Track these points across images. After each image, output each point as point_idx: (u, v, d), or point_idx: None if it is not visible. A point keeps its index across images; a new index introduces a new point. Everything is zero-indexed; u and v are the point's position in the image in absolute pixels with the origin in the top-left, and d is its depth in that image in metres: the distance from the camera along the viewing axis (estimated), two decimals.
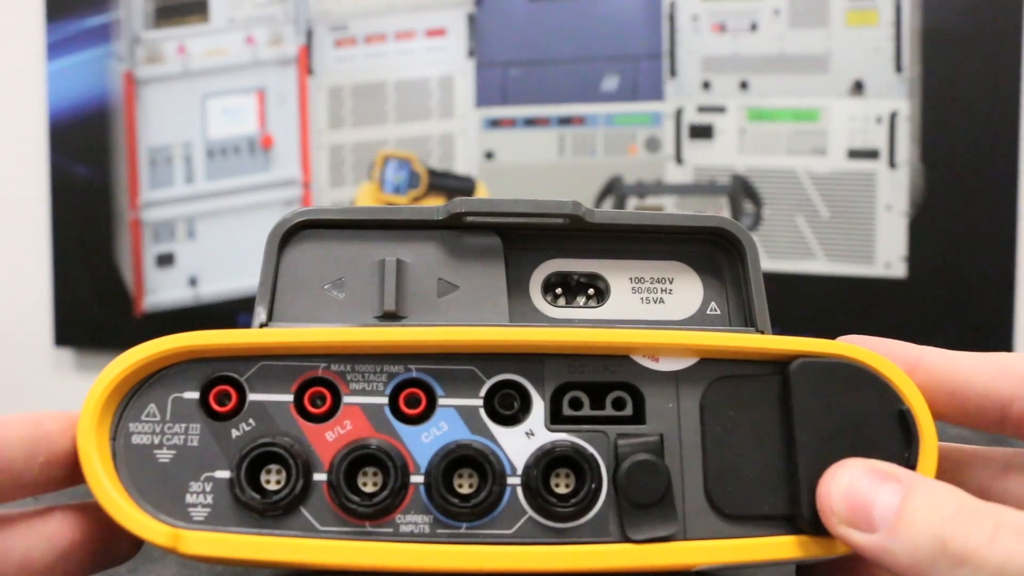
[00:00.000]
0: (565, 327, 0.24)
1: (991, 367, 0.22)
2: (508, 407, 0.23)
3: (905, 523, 0.19)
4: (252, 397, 0.22)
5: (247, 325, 0.24)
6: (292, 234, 0.25)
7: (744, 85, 0.76)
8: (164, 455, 0.22)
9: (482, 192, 0.80)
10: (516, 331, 0.23)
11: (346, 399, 0.22)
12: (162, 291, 0.84)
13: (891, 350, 0.23)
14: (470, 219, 0.25)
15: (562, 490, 0.22)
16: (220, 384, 0.23)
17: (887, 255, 0.74)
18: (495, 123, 0.80)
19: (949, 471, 0.23)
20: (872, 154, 0.74)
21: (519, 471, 0.22)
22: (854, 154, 0.74)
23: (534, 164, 0.79)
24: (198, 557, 0.22)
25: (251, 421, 0.22)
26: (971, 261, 0.74)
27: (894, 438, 0.22)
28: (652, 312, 0.25)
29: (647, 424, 0.23)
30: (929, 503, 0.19)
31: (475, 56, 0.80)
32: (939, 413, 0.23)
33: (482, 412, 0.23)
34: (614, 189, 0.78)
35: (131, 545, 0.23)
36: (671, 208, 0.77)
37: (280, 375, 0.23)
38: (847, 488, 0.20)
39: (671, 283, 0.26)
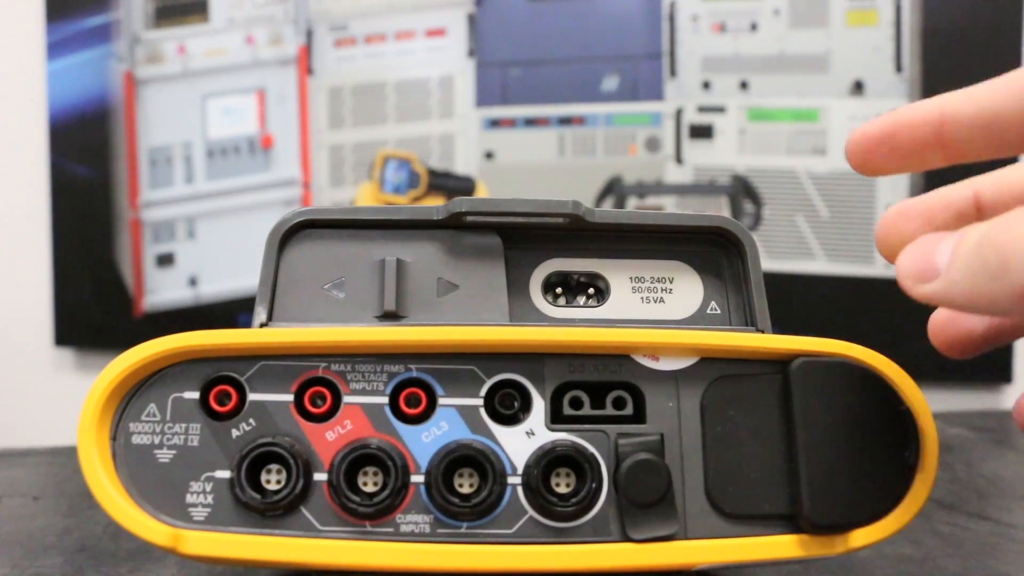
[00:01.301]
0: (565, 327, 0.24)
1: (1005, 83, 0.20)
2: (508, 407, 0.23)
3: (958, 255, 0.18)
4: (252, 397, 0.22)
5: (247, 325, 0.24)
6: (292, 234, 0.25)
7: (744, 85, 0.76)
8: (164, 455, 0.22)
9: (482, 192, 0.80)
10: (516, 331, 0.23)
11: (346, 399, 0.23)
12: (162, 291, 0.84)
13: (913, 113, 0.21)
14: (470, 219, 0.25)
15: (563, 489, 0.22)
16: (220, 384, 0.23)
17: None
18: (495, 123, 0.80)
19: None
20: None
21: (519, 471, 0.22)
22: None
23: (534, 164, 0.79)
24: (198, 557, 0.22)
25: (251, 421, 0.22)
26: None
27: (894, 437, 0.22)
28: (652, 312, 0.25)
29: (647, 423, 0.23)
30: (976, 230, 0.17)
31: (475, 56, 0.80)
32: (967, 151, 0.21)
33: (482, 411, 0.23)
34: (614, 189, 0.78)
35: None
36: (671, 208, 0.77)
37: (280, 375, 0.23)
38: (915, 249, 0.19)
39: (671, 282, 0.26)
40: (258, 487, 0.22)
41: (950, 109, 0.20)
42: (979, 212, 0.23)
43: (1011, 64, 0.71)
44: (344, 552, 0.21)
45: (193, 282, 0.84)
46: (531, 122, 0.79)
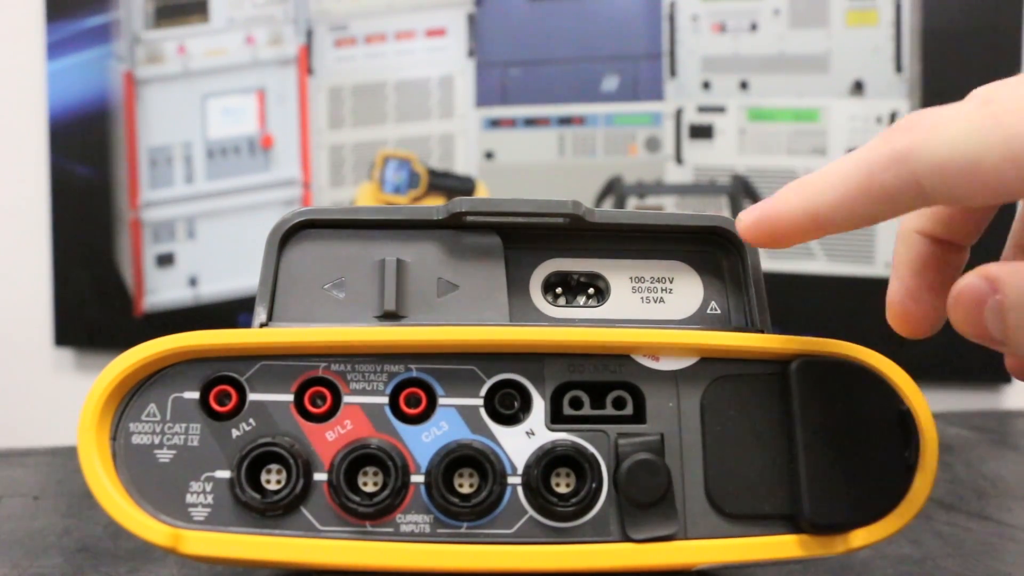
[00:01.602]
0: (565, 327, 0.24)
1: (863, 189, 0.20)
2: (508, 407, 0.23)
3: (1015, 335, 0.19)
4: (252, 397, 0.22)
5: (247, 325, 0.24)
6: (292, 234, 0.25)
7: (744, 85, 0.76)
8: (164, 455, 0.22)
9: (482, 192, 0.80)
10: (516, 331, 0.23)
11: (346, 399, 0.22)
12: (162, 291, 0.84)
13: (789, 222, 0.21)
14: (470, 219, 0.25)
15: (563, 489, 0.22)
16: (220, 384, 0.23)
17: (887, 255, 0.74)
18: (495, 123, 0.80)
19: None
20: None
21: (519, 471, 0.22)
22: None
23: (534, 164, 0.79)
24: (198, 557, 0.22)
25: (251, 421, 0.22)
26: (970, 261, 0.73)
27: (894, 437, 0.22)
28: (652, 311, 0.25)
29: (647, 423, 0.23)
30: (1013, 302, 0.19)
31: (475, 56, 0.80)
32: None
33: (482, 411, 0.23)
34: (614, 189, 0.78)
35: None
36: (671, 208, 0.77)
37: (280, 375, 0.23)
38: (962, 319, 0.20)
39: (671, 282, 0.26)
40: (258, 487, 0.22)
41: (824, 217, 0.21)
42: (944, 249, 0.24)
43: (1011, 64, 0.70)
44: (344, 552, 0.21)
45: (193, 282, 0.84)
46: (531, 122, 0.79)
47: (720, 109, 0.77)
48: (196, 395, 0.22)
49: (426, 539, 0.22)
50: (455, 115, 0.80)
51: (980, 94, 0.18)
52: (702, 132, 0.77)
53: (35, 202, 0.87)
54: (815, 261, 0.75)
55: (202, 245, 0.84)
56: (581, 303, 0.26)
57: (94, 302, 0.85)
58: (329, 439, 0.22)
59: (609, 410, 0.23)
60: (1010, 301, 0.19)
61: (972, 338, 0.20)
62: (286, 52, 0.83)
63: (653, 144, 0.78)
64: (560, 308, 0.25)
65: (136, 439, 0.22)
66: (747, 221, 0.22)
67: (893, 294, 0.25)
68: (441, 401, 0.23)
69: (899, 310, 0.24)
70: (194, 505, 0.22)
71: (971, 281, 0.19)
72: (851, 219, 0.20)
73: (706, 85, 0.77)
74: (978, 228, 0.24)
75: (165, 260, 0.84)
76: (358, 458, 0.22)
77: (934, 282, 0.24)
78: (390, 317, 0.24)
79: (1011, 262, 0.19)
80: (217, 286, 0.84)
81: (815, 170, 0.21)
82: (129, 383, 0.22)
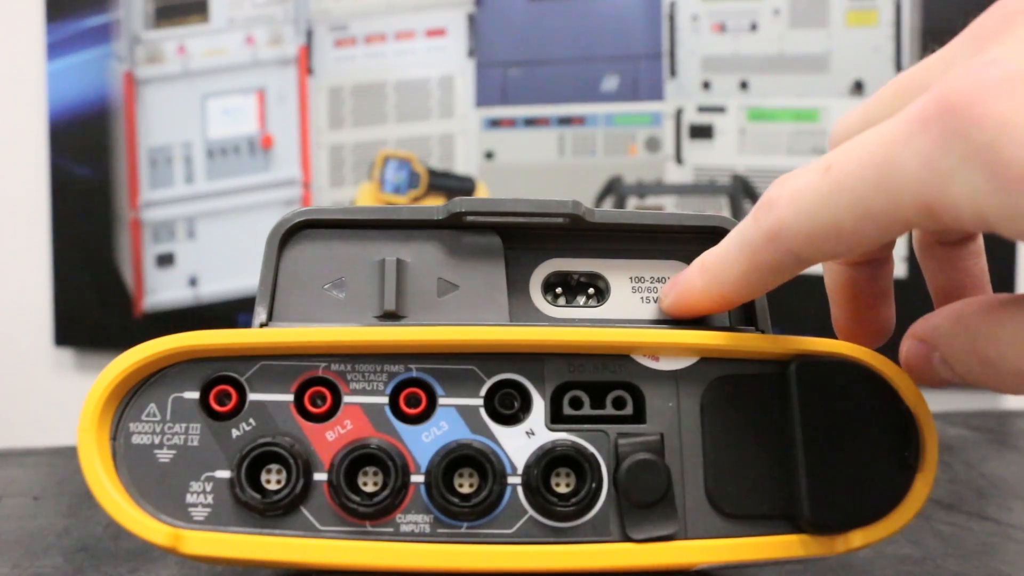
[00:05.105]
0: (565, 327, 0.24)
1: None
2: (508, 407, 0.23)
3: (969, 378, 0.20)
4: (252, 397, 0.22)
5: (247, 325, 0.24)
6: (292, 234, 0.25)
7: (744, 85, 0.76)
8: (164, 455, 0.22)
9: (482, 192, 0.80)
10: (516, 331, 0.23)
11: (346, 399, 0.22)
12: (162, 291, 0.84)
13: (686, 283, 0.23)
14: (470, 219, 0.25)
15: (562, 489, 0.22)
16: (220, 384, 0.23)
17: None
18: (495, 123, 0.80)
19: None
20: None
21: (519, 470, 0.22)
22: None
23: (534, 164, 0.79)
24: (198, 557, 0.22)
25: (251, 421, 0.22)
26: None
27: (894, 437, 0.22)
28: (652, 311, 0.25)
29: (647, 423, 0.23)
30: (950, 353, 0.20)
31: (475, 56, 0.80)
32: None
33: (482, 411, 0.23)
34: (614, 189, 0.78)
35: None
36: (671, 208, 0.77)
37: (280, 375, 0.23)
38: (928, 381, 0.22)
39: None
40: (258, 487, 0.22)
41: (729, 295, 0.22)
42: (868, 267, 0.26)
43: None
44: (344, 552, 0.21)
45: (193, 282, 0.84)
46: (531, 122, 0.79)
47: (720, 109, 0.77)
48: (196, 395, 0.22)
49: (426, 539, 0.22)
50: (455, 115, 0.80)
51: (822, 161, 0.19)
52: (702, 132, 0.77)
53: (35, 202, 0.87)
54: None
55: (202, 245, 0.84)
56: (581, 303, 0.26)
57: (94, 302, 0.85)
58: (329, 439, 0.22)
59: (609, 410, 0.23)
60: (950, 354, 0.20)
61: (938, 387, 0.22)
62: (286, 52, 0.83)
63: (653, 144, 0.78)
64: (560, 308, 0.25)
65: (136, 439, 0.22)
66: (667, 303, 0.24)
67: (836, 321, 0.26)
68: (441, 401, 0.23)
69: (847, 334, 0.26)
70: (194, 505, 0.22)
71: (911, 346, 0.21)
72: (751, 293, 0.22)
73: (706, 85, 0.77)
74: (888, 244, 0.25)
75: (165, 260, 0.84)
76: (358, 458, 0.22)
77: (869, 299, 0.26)
78: (390, 317, 0.24)
79: (934, 316, 0.21)
80: (217, 286, 0.84)
81: None
82: (129, 383, 0.22)
